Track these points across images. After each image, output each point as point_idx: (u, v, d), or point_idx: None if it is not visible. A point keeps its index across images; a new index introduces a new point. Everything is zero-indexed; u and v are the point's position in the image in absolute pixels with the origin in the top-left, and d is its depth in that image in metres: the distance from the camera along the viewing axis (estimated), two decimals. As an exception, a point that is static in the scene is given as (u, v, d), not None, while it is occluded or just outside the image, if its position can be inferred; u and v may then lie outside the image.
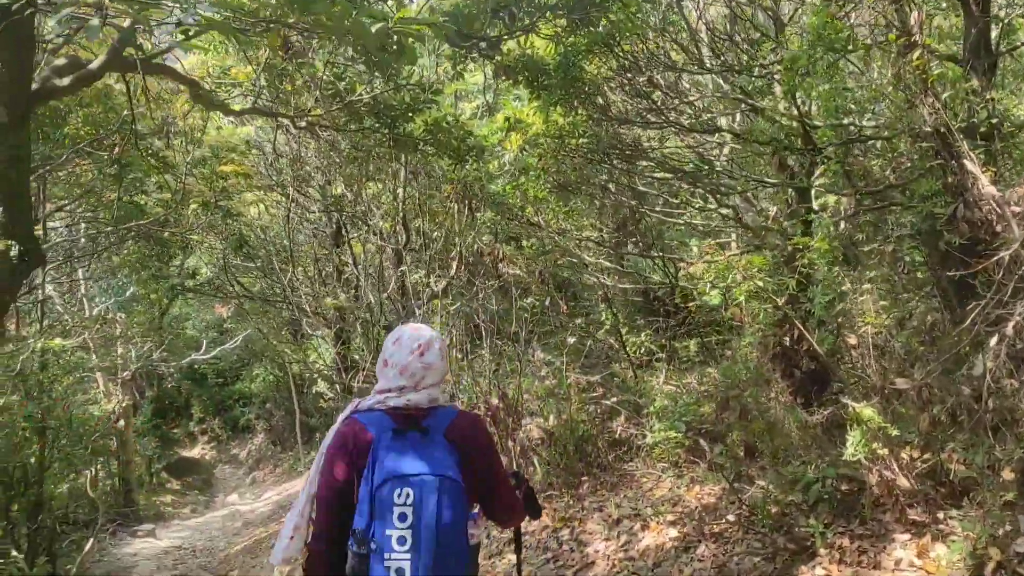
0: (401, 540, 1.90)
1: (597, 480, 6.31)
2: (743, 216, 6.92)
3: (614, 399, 6.84)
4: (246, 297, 11.43)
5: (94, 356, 11.30)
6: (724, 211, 6.95)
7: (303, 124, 5.82)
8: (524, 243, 7.08)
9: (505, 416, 6.48)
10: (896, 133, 4.48)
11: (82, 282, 12.85)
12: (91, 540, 7.25)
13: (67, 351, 9.08)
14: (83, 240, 8.90)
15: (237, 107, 5.17)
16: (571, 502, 5.97)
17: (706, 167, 6.29)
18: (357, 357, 10.33)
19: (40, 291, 9.01)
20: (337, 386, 12.40)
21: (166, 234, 7.73)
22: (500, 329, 6.88)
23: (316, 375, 13.90)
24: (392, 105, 6.27)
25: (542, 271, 6.27)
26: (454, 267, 9.06)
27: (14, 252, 3.58)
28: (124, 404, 13.86)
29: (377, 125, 6.35)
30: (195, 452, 21.37)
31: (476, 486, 2.10)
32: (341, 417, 2.21)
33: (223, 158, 7.82)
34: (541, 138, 7.01)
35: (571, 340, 6.41)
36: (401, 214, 8.96)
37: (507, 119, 6.91)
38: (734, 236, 8.12)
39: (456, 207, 7.00)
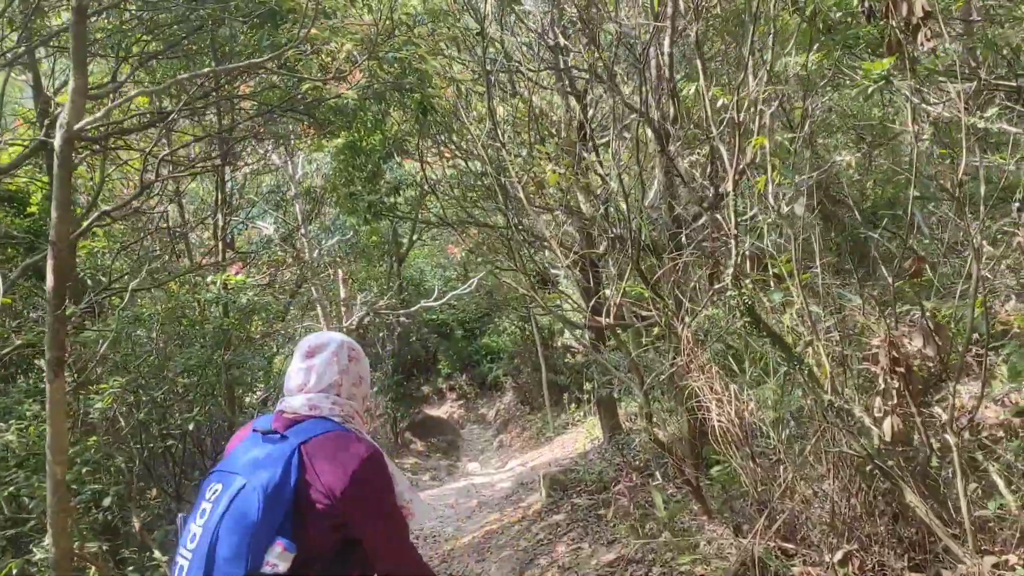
0: (192, 537, 1.65)
1: None
2: None
3: None
4: (468, 223, 8.90)
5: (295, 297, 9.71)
6: None
7: None
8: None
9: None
10: None
11: (299, 215, 11.34)
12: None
13: (249, 290, 7.23)
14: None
15: None
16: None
17: None
18: (608, 292, 7.34)
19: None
20: (585, 334, 9.64)
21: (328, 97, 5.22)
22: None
23: (561, 322, 11.28)
24: None
25: None
26: (748, 154, 5.67)
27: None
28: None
29: None
30: (443, 410, 20.16)
31: (319, 514, 1.67)
32: None
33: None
34: None
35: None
36: (666, 59, 5.73)
37: None
38: None
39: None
